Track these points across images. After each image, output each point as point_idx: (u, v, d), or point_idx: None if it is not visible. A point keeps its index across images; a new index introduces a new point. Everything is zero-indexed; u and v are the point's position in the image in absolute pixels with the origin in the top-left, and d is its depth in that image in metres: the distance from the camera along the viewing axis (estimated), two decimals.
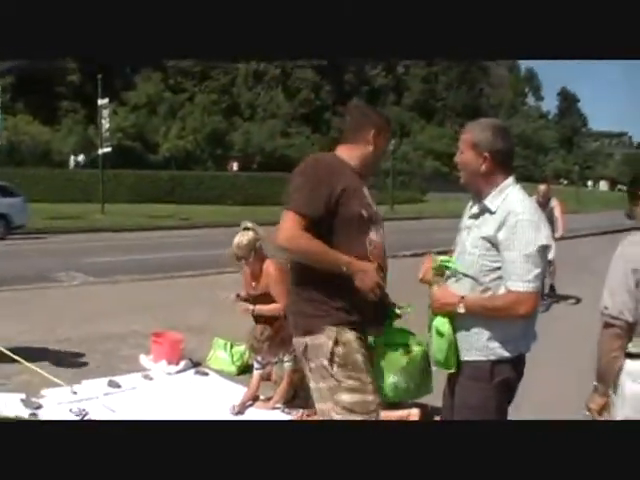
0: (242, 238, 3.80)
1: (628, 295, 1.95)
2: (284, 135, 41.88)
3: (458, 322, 2.05)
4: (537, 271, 1.92)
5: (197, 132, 37.62)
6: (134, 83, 40.45)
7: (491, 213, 2.00)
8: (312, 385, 2.14)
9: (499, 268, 1.96)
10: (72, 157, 31.40)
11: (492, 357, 1.99)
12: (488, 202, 2.02)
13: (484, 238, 1.99)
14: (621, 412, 2.02)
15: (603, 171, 65.20)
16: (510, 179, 2.05)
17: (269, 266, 3.84)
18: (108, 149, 18.83)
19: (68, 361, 4.40)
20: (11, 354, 4.34)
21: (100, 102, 18.88)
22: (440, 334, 2.04)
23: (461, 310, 1.98)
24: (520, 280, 1.91)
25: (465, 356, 2.04)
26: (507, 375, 2.01)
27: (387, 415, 3.30)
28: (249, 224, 3.94)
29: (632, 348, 1.97)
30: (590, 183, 64.10)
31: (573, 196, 36.04)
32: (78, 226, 16.14)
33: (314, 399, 2.17)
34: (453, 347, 2.03)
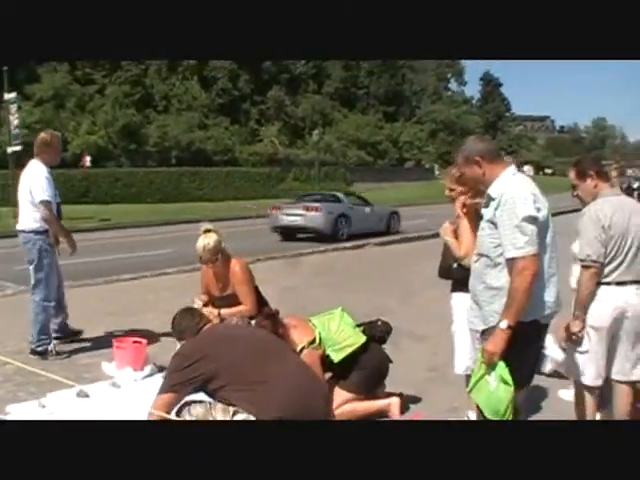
0: (208, 240, 3.70)
1: (601, 245, 2.80)
2: (201, 127, 40.65)
3: (472, 296, 2.41)
4: (527, 238, 2.22)
5: (109, 126, 35.88)
6: (38, 75, 37.76)
7: (492, 199, 2.36)
8: None
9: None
10: None
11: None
12: (490, 191, 2.38)
13: (488, 220, 2.36)
14: (588, 325, 2.81)
15: (528, 155, 66.53)
16: (508, 169, 2.39)
17: (235, 265, 3.84)
18: (18, 147, 17.61)
19: (27, 374, 4.31)
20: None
21: (7, 96, 17.48)
22: (505, 382, 2.21)
23: (504, 325, 2.22)
24: (513, 248, 2.23)
25: (485, 325, 2.34)
26: (522, 339, 2.24)
27: (368, 406, 3.41)
28: (209, 226, 3.89)
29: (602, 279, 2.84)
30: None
31: None
32: None
33: None
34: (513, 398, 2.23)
